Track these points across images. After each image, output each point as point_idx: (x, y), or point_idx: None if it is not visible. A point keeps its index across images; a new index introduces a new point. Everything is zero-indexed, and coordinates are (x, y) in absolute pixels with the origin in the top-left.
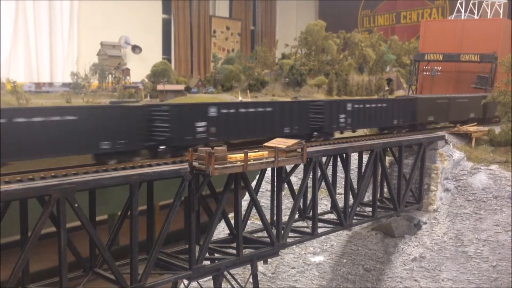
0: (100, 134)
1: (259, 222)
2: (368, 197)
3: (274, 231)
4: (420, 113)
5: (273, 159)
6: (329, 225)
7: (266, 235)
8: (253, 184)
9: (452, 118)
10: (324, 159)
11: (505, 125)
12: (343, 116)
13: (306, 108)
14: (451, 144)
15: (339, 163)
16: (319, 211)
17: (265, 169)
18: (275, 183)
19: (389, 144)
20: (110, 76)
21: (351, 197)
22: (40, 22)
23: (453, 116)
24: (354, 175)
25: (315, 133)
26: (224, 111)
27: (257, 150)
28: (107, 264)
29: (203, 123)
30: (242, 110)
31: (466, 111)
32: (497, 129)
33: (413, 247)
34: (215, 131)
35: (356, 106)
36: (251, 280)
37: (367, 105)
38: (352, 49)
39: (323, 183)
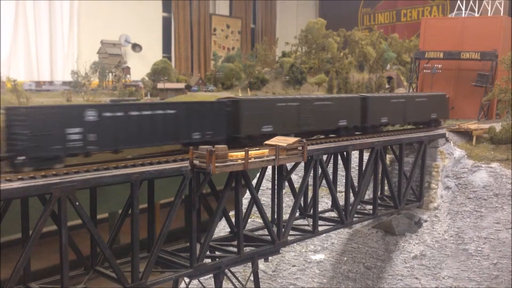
0: None
1: (260, 220)
2: (368, 195)
3: (274, 229)
4: (372, 114)
5: (273, 157)
6: (330, 223)
7: (267, 233)
8: (254, 182)
9: (410, 119)
10: (324, 157)
11: (506, 123)
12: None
13: (222, 109)
14: (451, 142)
15: (340, 161)
16: (319, 209)
17: (266, 167)
18: (276, 181)
19: (390, 142)
20: (110, 74)
21: (351, 195)
22: (40, 21)
23: (411, 117)
24: (354, 173)
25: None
26: (108, 114)
27: (258, 148)
28: (108, 262)
29: (77, 130)
30: (134, 113)
31: (427, 112)
32: (497, 127)
33: (414, 245)
34: (95, 139)
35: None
36: (252, 278)
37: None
38: (353, 47)
39: (323, 181)
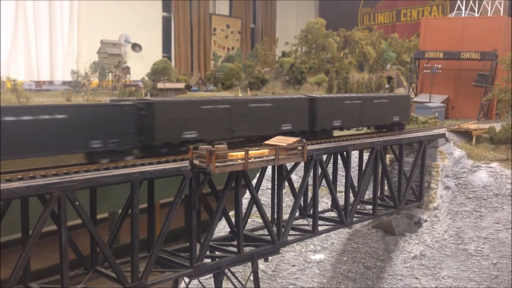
0: None
1: (260, 220)
2: (368, 195)
3: (274, 229)
4: (322, 117)
5: (273, 157)
6: (330, 223)
7: (266, 233)
8: (254, 182)
9: (368, 123)
10: (324, 157)
11: (506, 123)
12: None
13: (132, 113)
14: (451, 142)
15: (340, 161)
16: (319, 209)
17: (266, 167)
18: (276, 181)
19: (390, 142)
20: (110, 74)
21: (351, 195)
22: (40, 20)
23: (369, 119)
24: (354, 173)
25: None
26: None
27: (257, 148)
28: (108, 262)
29: None
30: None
31: (388, 114)
32: (497, 127)
33: (414, 245)
34: None
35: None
36: (251, 278)
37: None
38: (352, 47)
39: (323, 181)
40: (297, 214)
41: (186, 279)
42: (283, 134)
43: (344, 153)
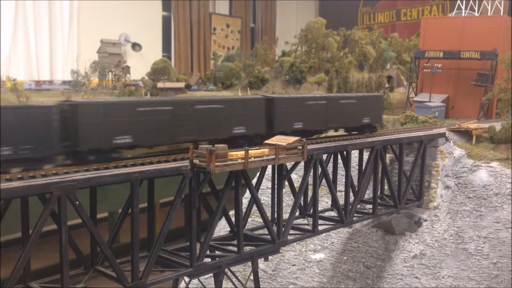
0: None
1: (260, 220)
2: (368, 194)
3: (274, 228)
4: (281, 119)
5: (273, 156)
6: (330, 223)
7: (266, 232)
8: (254, 181)
9: (334, 125)
10: (324, 156)
11: (506, 122)
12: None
13: (51, 116)
14: (451, 141)
15: (340, 161)
16: (319, 209)
17: (266, 167)
18: (276, 181)
19: (390, 141)
20: (110, 73)
21: (351, 194)
22: (40, 20)
23: (335, 121)
24: (354, 173)
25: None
26: None
27: (258, 148)
28: (108, 261)
29: None
30: None
31: (357, 116)
32: (497, 126)
33: (414, 244)
34: None
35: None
36: (251, 277)
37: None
38: (352, 47)
39: (323, 181)
40: (297, 213)
41: (186, 279)
42: (235, 138)
43: (344, 152)
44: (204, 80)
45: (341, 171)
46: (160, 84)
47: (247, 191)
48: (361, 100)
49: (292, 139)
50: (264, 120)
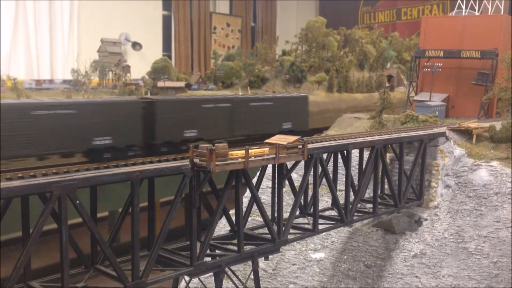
0: None
1: (260, 219)
2: (369, 193)
3: (275, 227)
4: (166, 126)
5: (274, 155)
6: (330, 222)
7: (267, 231)
8: (254, 180)
9: (242, 132)
10: (324, 155)
11: (506, 122)
12: None
13: None
14: (451, 140)
15: (340, 160)
16: (320, 208)
17: (266, 166)
18: (276, 180)
19: (390, 140)
20: (110, 73)
21: (351, 193)
22: (40, 19)
23: (244, 128)
24: (355, 172)
25: None
26: None
27: (258, 147)
28: (109, 260)
29: None
30: None
31: (274, 121)
32: (498, 126)
33: (414, 243)
34: None
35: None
36: (252, 276)
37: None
38: (353, 46)
39: (324, 180)
40: (297, 212)
41: (187, 278)
42: (95, 150)
43: (345, 151)
44: (204, 79)
45: (341, 170)
46: (160, 83)
47: (247, 190)
48: (279, 102)
49: (292, 138)
50: (141, 128)
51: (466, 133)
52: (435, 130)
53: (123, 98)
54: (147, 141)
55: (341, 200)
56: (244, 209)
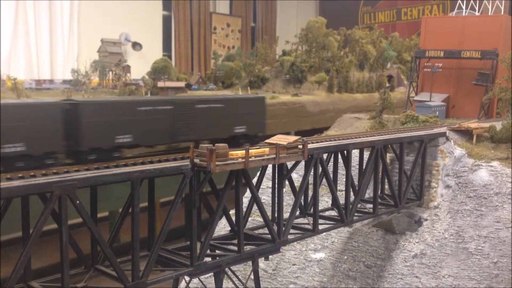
0: None
1: (260, 219)
2: (369, 193)
3: (275, 227)
4: (93, 132)
5: (274, 156)
6: (330, 222)
7: (267, 231)
8: (254, 181)
9: (186, 137)
10: (325, 155)
11: (506, 122)
12: None
13: None
14: (452, 140)
15: (340, 160)
16: (320, 208)
17: (266, 166)
18: (276, 180)
19: (390, 140)
20: (110, 73)
21: (352, 193)
22: (40, 19)
23: (188, 133)
24: (355, 172)
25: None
26: None
27: (258, 147)
28: (109, 260)
29: None
30: None
31: (225, 124)
32: (498, 126)
33: (414, 243)
34: None
35: None
36: (252, 276)
37: None
38: (353, 46)
39: (324, 180)
40: (297, 213)
41: (187, 278)
42: (4, 159)
43: (345, 152)
44: (204, 80)
45: (341, 171)
46: (160, 83)
47: (248, 190)
48: (231, 103)
49: (292, 138)
50: (62, 133)
51: (466, 133)
52: (436, 130)
53: (42, 100)
54: (71, 147)
55: (341, 200)
56: (244, 209)
